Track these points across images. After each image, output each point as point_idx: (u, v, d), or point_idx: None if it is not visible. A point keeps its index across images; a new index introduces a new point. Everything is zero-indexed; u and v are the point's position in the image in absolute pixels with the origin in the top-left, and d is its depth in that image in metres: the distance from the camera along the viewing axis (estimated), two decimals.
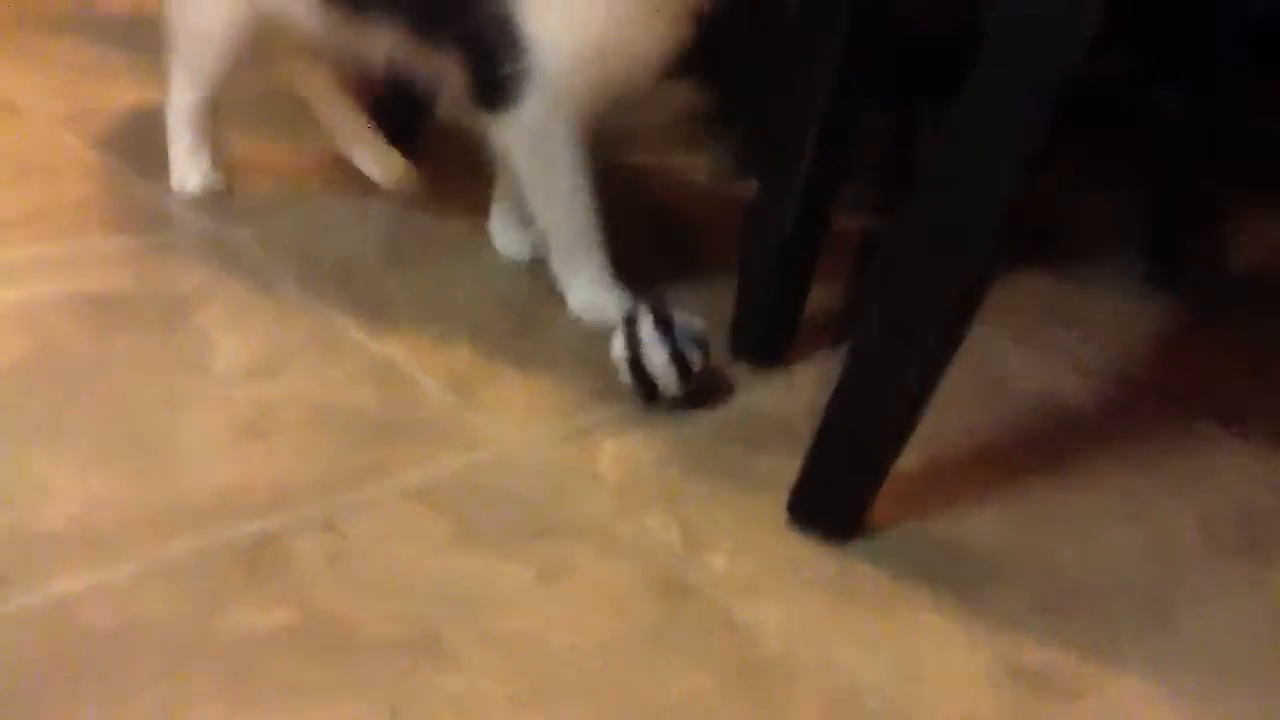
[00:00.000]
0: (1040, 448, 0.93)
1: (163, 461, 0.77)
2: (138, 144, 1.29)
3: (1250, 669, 0.71)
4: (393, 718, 0.60)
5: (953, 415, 0.93)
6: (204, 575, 0.67)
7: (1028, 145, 0.71)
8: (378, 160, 1.26)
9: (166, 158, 1.20)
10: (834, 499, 0.81)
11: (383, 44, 1.04)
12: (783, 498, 0.81)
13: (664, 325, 0.91)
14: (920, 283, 0.76)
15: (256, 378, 0.88)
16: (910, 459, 0.82)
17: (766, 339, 1.01)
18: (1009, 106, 0.71)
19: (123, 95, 1.46)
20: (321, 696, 0.60)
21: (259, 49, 1.15)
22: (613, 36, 0.95)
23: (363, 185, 1.26)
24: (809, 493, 0.81)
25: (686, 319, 0.93)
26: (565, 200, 1.02)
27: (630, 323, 0.92)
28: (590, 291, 1.04)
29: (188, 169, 1.18)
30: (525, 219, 1.10)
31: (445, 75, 1.03)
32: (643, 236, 1.21)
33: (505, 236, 1.15)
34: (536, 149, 1.00)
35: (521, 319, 1.03)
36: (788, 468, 0.82)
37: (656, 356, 0.90)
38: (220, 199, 1.19)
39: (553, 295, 1.05)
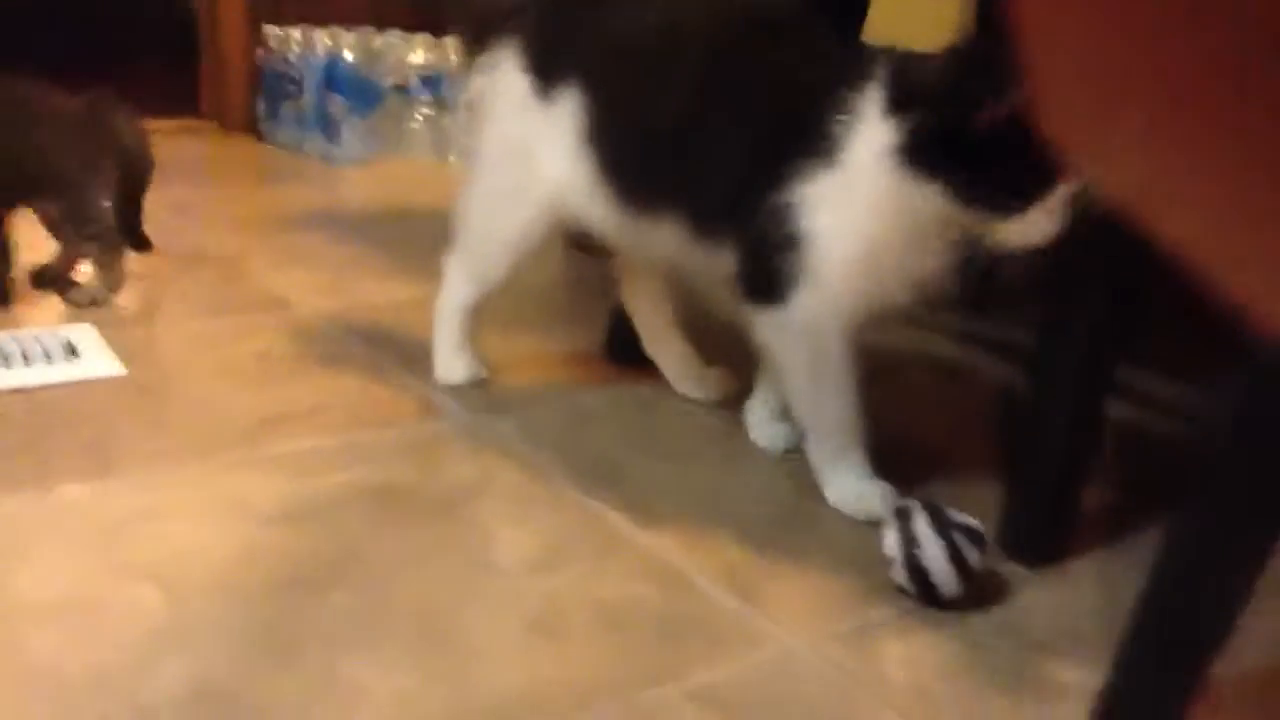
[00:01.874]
0: None
1: (463, 660, 0.78)
2: (397, 337, 1.36)
3: None
4: None
5: (1262, 624, 0.87)
6: None
7: None
8: (696, 377, 1.26)
9: (426, 350, 1.26)
10: (1147, 715, 0.76)
11: (668, 242, 1.05)
12: (1084, 709, 0.77)
13: (939, 522, 0.90)
14: (1235, 486, 0.73)
15: (540, 572, 0.90)
16: (1223, 670, 0.77)
17: (1043, 537, 0.98)
18: None
19: (377, 290, 1.56)
20: None
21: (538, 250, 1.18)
22: (886, 246, 0.94)
23: (617, 378, 1.30)
24: (1118, 707, 0.76)
25: (961, 515, 0.91)
26: (828, 397, 1.02)
27: (903, 518, 0.91)
28: (850, 484, 1.03)
29: (453, 362, 1.24)
30: (784, 411, 1.11)
31: (717, 269, 1.03)
32: (893, 424, 1.19)
33: (763, 429, 1.15)
34: (803, 346, 1.00)
35: (788, 513, 1.03)
36: (1083, 676, 0.79)
37: (934, 555, 0.88)
38: (480, 390, 1.24)
39: (815, 488, 1.05)
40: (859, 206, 0.94)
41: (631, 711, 0.75)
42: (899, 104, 0.91)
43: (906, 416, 1.28)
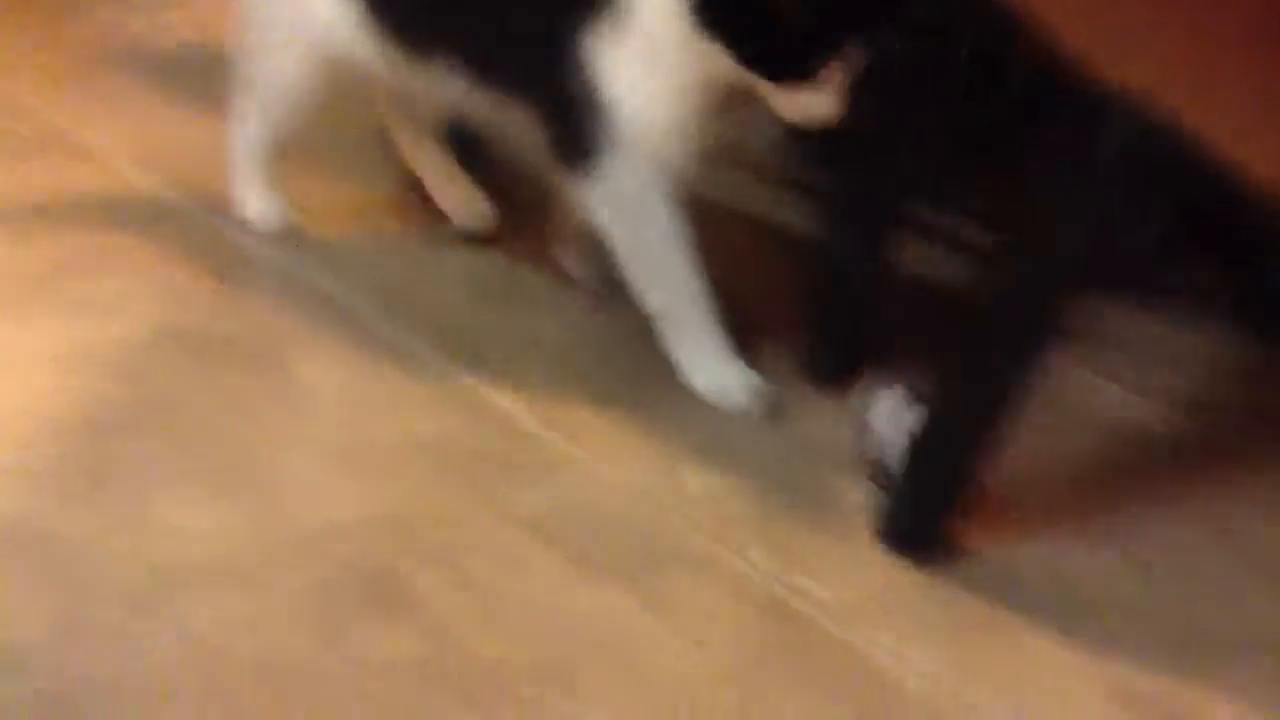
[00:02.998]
0: (1129, 475, 0.93)
1: (272, 496, 0.79)
2: (210, 182, 1.31)
3: None
4: None
5: (1040, 443, 0.94)
6: (329, 605, 0.69)
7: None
8: (461, 200, 1.25)
9: (237, 195, 1.22)
10: (923, 523, 0.83)
11: (447, 89, 1.03)
12: (871, 521, 0.82)
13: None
14: (1005, 310, 0.78)
15: (350, 410, 0.90)
16: (1003, 485, 0.83)
17: (838, 364, 1.02)
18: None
19: (188, 134, 1.49)
20: None
21: (329, 93, 1.15)
22: (690, 106, 0.94)
23: (433, 224, 1.28)
24: (898, 517, 0.82)
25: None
26: (667, 272, 0.98)
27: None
28: (715, 373, 0.97)
29: (260, 206, 1.20)
30: (595, 247, 1.10)
31: (516, 123, 1.01)
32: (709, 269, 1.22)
33: (582, 267, 1.16)
34: (628, 215, 0.98)
35: (603, 350, 1.05)
36: (872, 494, 0.84)
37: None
38: (294, 236, 1.21)
39: (632, 329, 1.06)
40: (657, 69, 0.93)
41: (445, 537, 0.77)
42: None
43: (720, 261, 1.31)
